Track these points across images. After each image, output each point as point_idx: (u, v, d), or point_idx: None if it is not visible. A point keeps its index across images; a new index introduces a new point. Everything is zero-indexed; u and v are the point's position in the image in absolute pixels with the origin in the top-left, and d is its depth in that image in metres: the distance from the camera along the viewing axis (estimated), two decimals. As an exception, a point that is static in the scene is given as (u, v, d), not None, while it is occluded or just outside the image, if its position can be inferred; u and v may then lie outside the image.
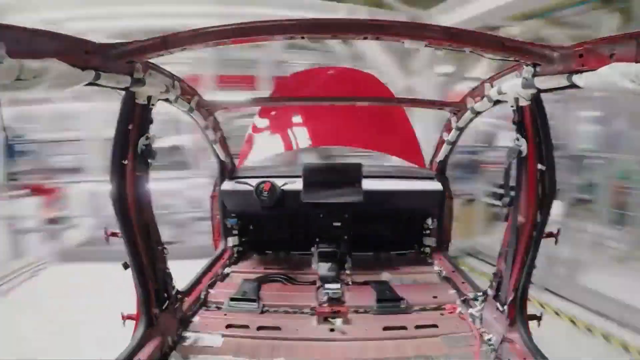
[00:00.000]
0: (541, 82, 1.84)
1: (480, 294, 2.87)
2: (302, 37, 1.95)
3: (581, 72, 1.55)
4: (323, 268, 3.68)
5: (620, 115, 8.31)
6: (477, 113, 2.92)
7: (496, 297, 2.63)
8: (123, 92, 2.08)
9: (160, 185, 7.89)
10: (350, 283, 3.57)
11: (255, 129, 4.93)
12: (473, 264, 7.99)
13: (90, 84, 1.63)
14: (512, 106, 2.19)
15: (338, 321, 2.92)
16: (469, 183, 8.92)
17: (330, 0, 9.01)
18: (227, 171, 4.14)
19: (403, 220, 4.39)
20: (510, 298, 2.44)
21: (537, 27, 9.33)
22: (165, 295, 2.67)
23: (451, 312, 3.00)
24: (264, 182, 3.89)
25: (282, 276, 3.74)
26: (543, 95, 2.07)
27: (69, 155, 13.90)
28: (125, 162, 2.23)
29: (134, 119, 2.22)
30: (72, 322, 5.54)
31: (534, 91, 1.95)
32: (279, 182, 3.92)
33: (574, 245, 6.84)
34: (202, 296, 3.23)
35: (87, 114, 11.75)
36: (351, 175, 3.85)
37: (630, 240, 7.39)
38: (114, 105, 2.23)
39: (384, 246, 4.35)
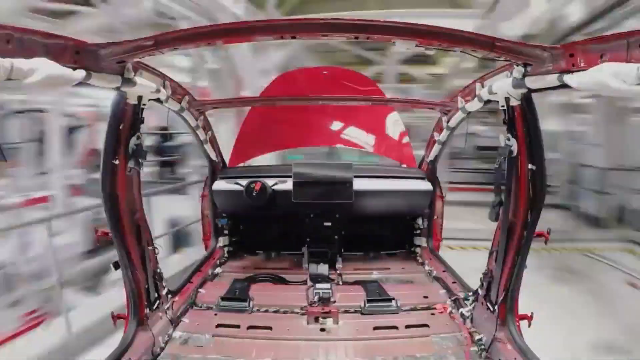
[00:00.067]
0: (532, 82, 1.84)
1: (471, 293, 2.87)
2: (293, 38, 1.94)
3: (572, 72, 1.56)
4: (313, 268, 3.68)
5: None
6: (468, 113, 2.93)
7: (487, 296, 2.63)
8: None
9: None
10: (340, 283, 3.57)
11: (246, 129, 4.90)
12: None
13: (80, 83, 1.62)
14: (502, 106, 2.19)
15: (328, 321, 2.92)
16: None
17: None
18: (218, 171, 4.11)
19: (394, 220, 4.39)
20: (501, 298, 2.44)
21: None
22: (156, 295, 2.67)
23: (442, 312, 3.00)
24: (254, 181, 3.87)
25: (272, 276, 3.73)
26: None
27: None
28: (117, 161, 2.22)
29: (125, 119, 2.21)
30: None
31: (524, 91, 1.95)
32: (269, 181, 3.90)
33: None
34: (193, 296, 3.22)
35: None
36: (342, 175, 3.84)
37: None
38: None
39: (374, 246, 4.36)
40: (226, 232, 4.25)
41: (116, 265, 2.38)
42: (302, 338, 2.75)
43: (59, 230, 6.26)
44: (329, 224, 3.97)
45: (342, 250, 4.08)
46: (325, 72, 5.26)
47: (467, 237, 8.78)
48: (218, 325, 2.85)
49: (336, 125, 4.90)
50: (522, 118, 2.13)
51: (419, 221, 4.24)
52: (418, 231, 4.27)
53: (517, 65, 1.87)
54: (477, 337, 2.59)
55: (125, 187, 2.32)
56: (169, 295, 2.87)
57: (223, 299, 3.14)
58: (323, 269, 3.68)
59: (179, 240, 7.99)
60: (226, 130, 8.29)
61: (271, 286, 3.61)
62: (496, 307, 2.48)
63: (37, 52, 1.39)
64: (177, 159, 11.96)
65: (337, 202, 3.79)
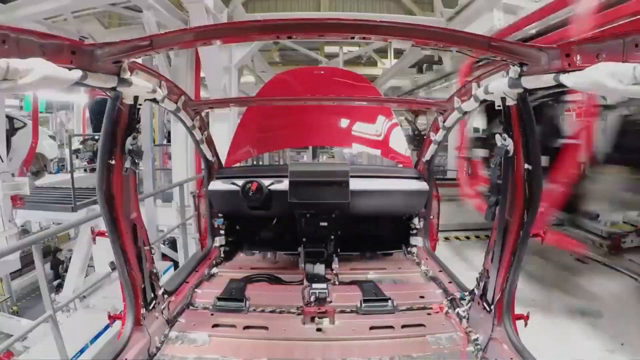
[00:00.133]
0: (528, 82, 1.84)
1: (467, 293, 2.87)
2: (289, 38, 1.94)
3: (568, 71, 1.56)
4: (310, 268, 3.67)
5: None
6: (464, 113, 2.93)
7: (483, 296, 2.63)
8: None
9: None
10: (337, 283, 3.57)
11: (242, 129, 4.90)
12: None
13: (77, 83, 1.61)
14: (498, 106, 2.20)
15: (325, 321, 2.92)
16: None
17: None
18: (214, 171, 4.10)
19: (390, 220, 4.40)
20: (497, 298, 2.45)
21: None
22: (152, 295, 2.66)
23: (438, 312, 3.01)
24: (250, 182, 3.86)
25: (268, 276, 3.72)
26: None
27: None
28: (113, 161, 2.21)
29: (121, 119, 2.20)
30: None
31: (520, 91, 1.95)
32: (265, 181, 3.90)
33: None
34: (189, 296, 3.21)
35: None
36: (338, 175, 3.83)
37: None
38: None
39: (370, 246, 4.36)
40: (222, 232, 4.24)
41: (112, 266, 2.37)
42: (298, 338, 2.75)
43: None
44: (325, 224, 3.96)
45: (339, 250, 4.08)
46: (321, 72, 5.27)
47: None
48: (214, 326, 2.85)
49: (332, 126, 4.90)
50: (518, 118, 2.13)
51: (415, 221, 4.24)
52: (414, 231, 4.27)
53: (513, 65, 1.87)
54: (473, 336, 2.59)
55: (121, 187, 2.32)
56: (165, 295, 2.86)
57: (219, 299, 3.14)
58: (319, 268, 3.67)
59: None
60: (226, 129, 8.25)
61: (267, 286, 3.60)
62: (492, 307, 2.48)
63: (33, 52, 1.38)
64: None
65: (334, 202, 3.78)
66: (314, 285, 3.19)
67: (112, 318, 2.53)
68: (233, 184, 3.90)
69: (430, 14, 10.64)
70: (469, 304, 2.80)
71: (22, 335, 3.44)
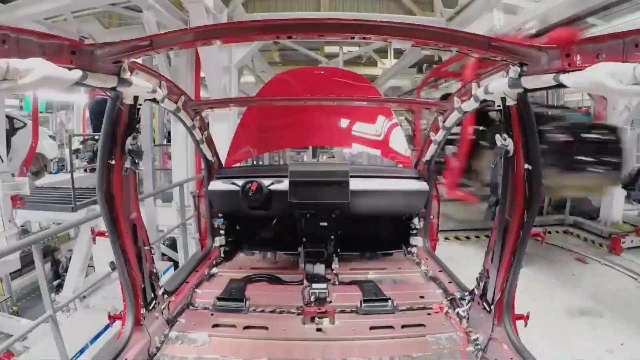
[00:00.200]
0: (528, 82, 1.84)
1: (467, 293, 2.87)
2: (289, 38, 1.94)
3: (568, 71, 1.56)
4: (310, 268, 3.67)
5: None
6: (464, 113, 2.93)
7: (483, 296, 2.63)
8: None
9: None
10: (337, 283, 3.57)
11: (242, 129, 4.90)
12: None
13: (77, 83, 1.61)
14: (498, 106, 2.20)
15: (325, 321, 2.92)
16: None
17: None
18: (214, 171, 4.10)
19: (390, 220, 4.40)
20: (497, 298, 2.45)
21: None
22: (152, 295, 2.67)
23: (438, 312, 3.01)
24: (250, 181, 3.86)
25: (268, 276, 3.72)
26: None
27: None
28: (113, 161, 2.22)
29: (121, 119, 2.20)
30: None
31: (520, 90, 1.95)
32: (265, 181, 3.89)
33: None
34: (189, 296, 3.21)
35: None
36: (338, 175, 3.83)
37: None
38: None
39: (370, 246, 4.36)
40: (222, 232, 4.25)
41: (112, 266, 2.37)
42: (298, 338, 2.75)
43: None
44: (325, 224, 3.96)
45: (339, 250, 4.08)
46: (321, 72, 5.27)
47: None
48: (214, 326, 2.85)
49: (332, 126, 4.90)
50: (518, 118, 2.13)
51: (415, 221, 4.24)
52: (414, 231, 4.27)
53: (513, 65, 1.87)
54: (473, 337, 2.59)
55: (121, 187, 2.32)
56: (165, 295, 2.87)
57: (219, 299, 3.14)
58: (319, 268, 3.67)
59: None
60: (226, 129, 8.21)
61: (267, 286, 3.60)
62: (492, 307, 2.48)
63: (33, 52, 1.38)
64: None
65: (334, 202, 3.78)
66: (314, 285, 3.19)
67: (112, 318, 2.53)
68: (233, 184, 3.90)
69: (430, 14, 10.62)
70: (469, 304, 2.80)
71: (22, 335, 3.44)
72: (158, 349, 2.54)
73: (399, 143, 4.85)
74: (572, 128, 7.57)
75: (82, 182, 8.65)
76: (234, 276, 3.68)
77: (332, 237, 3.98)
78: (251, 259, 4.28)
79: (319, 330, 2.84)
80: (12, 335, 3.57)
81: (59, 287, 9.86)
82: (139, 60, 2.15)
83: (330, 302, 3.11)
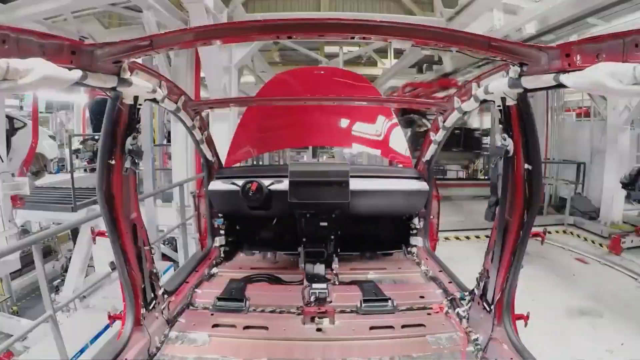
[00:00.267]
0: (528, 82, 1.84)
1: (467, 293, 2.87)
2: (289, 38, 1.95)
3: (568, 71, 1.56)
4: (310, 268, 3.67)
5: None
6: (464, 113, 2.93)
7: (483, 296, 2.63)
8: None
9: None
10: (337, 283, 3.57)
11: (242, 129, 4.89)
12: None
13: (77, 83, 1.61)
14: (498, 106, 2.20)
15: (325, 321, 2.92)
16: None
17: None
18: (214, 171, 4.10)
19: (390, 220, 4.40)
20: (497, 298, 2.45)
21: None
22: (152, 295, 2.67)
23: (438, 312, 3.01)
24: (250, 181, 3.85)
25: (268, 276, 3.72)
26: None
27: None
28: (113, 161, 2.22)
29: (121, 119, 2.20)
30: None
31: (520, 91, 1.95)
32: (265, 181, 3.89)
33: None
34: (189, 296, 3.21)
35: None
36: (338, 175, 3.83)
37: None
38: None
39: (370, 246, 4.36)
40: (222, 232, 4.25)
41: (112, 266, 2.37)
42: (298, 338, 2.75)
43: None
44: (325, 224, 3.96)
45: (339, 250, 4.08)
46: (322, 72, 5.26)
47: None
48: (214, 325, 2.85)
49: (332, 125, 4.90)
50: (518, 118, 2.13)
51: (415, 221, 4.24)
52: (414, 231, 4.27)
53: (513, 65, 1.87)
54: (473, 337, 2.59)
55: (121, 187, 2.32)
56: (165, 295, 2.87)
57: (219, 299, 3.14)
58: (319, 268, 3.67)
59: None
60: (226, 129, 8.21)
61: (267, 286, 3.60)
62: (492, 307, 2.48)
63: (33, 52, 1.38)
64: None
65: (334, 202, 3.78)
66: (314, 285, 3.19)
67: (112, 318, 2.53)
68: (233, 184, 3.90)
69: (430, 14, 10.61)
70: (469, 304, 2.80)
71: (22, 335, 3.44)
72: (158, 349, 2.54)
73: (399, 143, 4.85)
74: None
75: (82, 182, 8.64)
76: (234, 276, 3.68)
77: (332, 237, 3.98)
78: (251, 259, 4.28)
79: (319, 330, 2.84)
80: (12, 335, 3.57)
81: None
82: (139, 60, 2.15)
83: (330, 302, 3.11)
